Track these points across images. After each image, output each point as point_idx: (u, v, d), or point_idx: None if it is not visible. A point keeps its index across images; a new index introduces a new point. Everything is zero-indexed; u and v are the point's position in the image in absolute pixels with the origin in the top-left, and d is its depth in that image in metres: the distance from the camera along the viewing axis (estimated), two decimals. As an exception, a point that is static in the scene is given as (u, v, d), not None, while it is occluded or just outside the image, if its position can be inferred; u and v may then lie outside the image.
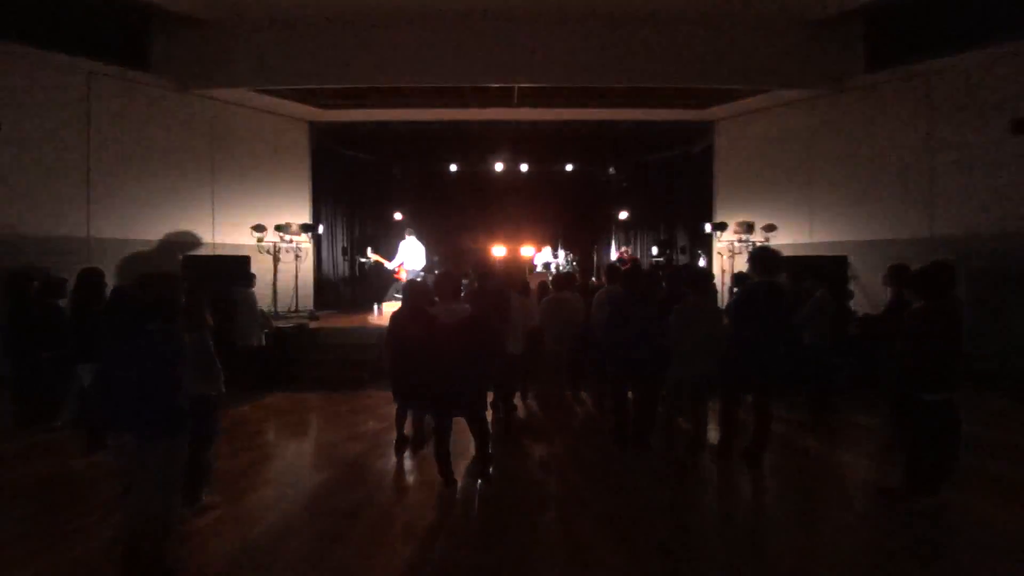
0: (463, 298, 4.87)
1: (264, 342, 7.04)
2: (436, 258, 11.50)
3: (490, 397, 4.94)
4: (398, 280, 9.88)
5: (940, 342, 3.47)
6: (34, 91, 7.23)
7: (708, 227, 10.15)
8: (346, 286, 11.81)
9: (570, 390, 6.67)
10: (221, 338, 5.43)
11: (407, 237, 10.29)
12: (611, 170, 13.28)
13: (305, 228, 9.87)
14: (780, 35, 8.21)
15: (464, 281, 6.43)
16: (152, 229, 8.36)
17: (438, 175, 12.93)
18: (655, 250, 12.02)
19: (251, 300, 6.91)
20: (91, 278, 5.15)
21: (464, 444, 4.80)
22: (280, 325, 7.96)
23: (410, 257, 10.07)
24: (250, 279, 7.23)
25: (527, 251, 11.91)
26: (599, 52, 8.21)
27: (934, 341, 3.47)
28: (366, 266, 11.58)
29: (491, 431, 4.54)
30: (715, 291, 6.41)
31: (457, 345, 3.67)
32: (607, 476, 4.26)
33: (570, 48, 8.20)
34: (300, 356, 7.81)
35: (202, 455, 3.54)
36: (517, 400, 5.93)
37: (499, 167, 12.48)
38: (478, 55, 8.23)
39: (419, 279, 8.39)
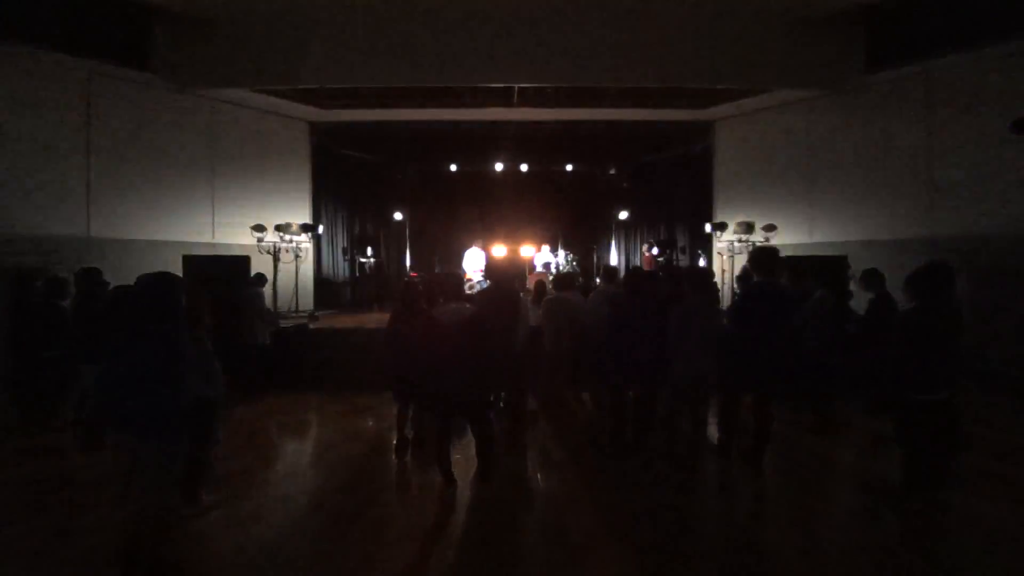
0: (473, 299, 4.90)
1: (269, 340, 7.11)
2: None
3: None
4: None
5: (934, 342, 3.47)
6: (34, 91, 7.23)
7: (708, 227, 10.15)
8: (346, 286, 11.82)
9: (570, 390, 6.66)
10: (228, 337, 5.47)
11: (472, 247, 11.13)
12: (611, 170, 13.28)
13: (305, 228, 9.87)
14: (780, 35, 8.20)
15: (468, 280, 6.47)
16: (152, 229, 8.36)
17: (438, 175, 12.93)
18: (655, 250, 12.02)
19: (260, 299, 7.02)
20: (92, 278, 5.16)
21: (465, 444, 4.82)
22: (280, 325, 7.98)
23: (473, 265, 10.97)
24: (262, 279, 7.39)
25: (527, 251, 11.92)
26: (599, 52, 8.20)
27: (927, 341, 3.47)
28: (366, 266, 11.61)
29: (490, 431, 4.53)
30: (716, 291, 6.41)
31: (458, 346, 3.67)
32: (607, 476, 4.26)
33: (570, 48, 8.19)
34: (300, 356, 7.82)
35: (202, 455, 3.54)
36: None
37: (499, 167, 12.47)
38: (478, 55, 8.22)
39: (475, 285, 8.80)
